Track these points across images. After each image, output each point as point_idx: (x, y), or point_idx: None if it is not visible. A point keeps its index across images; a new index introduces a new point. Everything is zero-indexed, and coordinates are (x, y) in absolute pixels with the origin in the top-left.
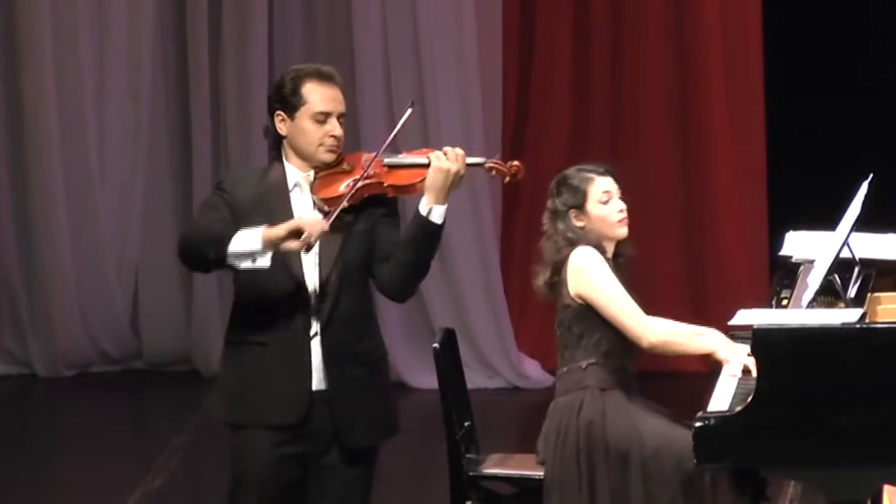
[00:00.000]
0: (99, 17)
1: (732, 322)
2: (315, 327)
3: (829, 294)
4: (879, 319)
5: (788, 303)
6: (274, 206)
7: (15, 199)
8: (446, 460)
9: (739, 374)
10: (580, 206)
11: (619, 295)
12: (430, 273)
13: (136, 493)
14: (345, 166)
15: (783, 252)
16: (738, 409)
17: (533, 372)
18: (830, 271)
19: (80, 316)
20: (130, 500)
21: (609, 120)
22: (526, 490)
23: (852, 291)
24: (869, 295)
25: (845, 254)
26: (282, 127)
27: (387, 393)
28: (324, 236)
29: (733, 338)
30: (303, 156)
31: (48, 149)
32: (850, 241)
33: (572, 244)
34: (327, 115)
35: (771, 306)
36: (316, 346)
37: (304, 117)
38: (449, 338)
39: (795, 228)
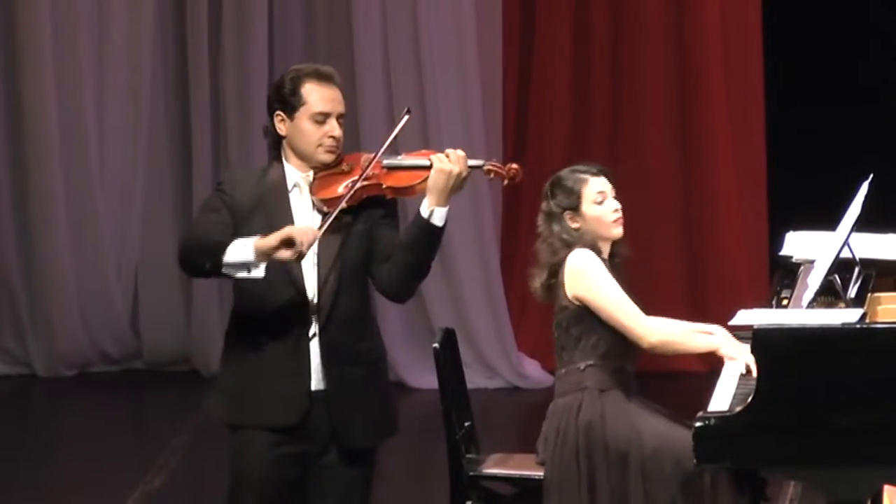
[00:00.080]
0: (99, 17)
1: (732, 322)
2: (314, 328)
3: (829, 294)
4: (879, 319)
5: (789, 303)
6: (273, 206)
7: (15, 198)
8: (446, 460)
9: (743, 372)
10: (575, 208)
11: (617, 296)
12: (431, 273)
13: (136, 493)
14: (344, 167)
15: (783, 252)
16: (739, 409)
17: (533, 372)
18: (830, 271)
19: (80, 316)
20: (130, 500)
21: (609, 120)
22: (526, 490)
23: (852, 291)
24: (869, 295)
25: (845, 254)
26: (281, 127)
27: (386, 393)
28: (323, 237)
29: (735, 337)
30: (302, 156)
31: (48, 149)
32: (850, 241)
33: (568, 246)
34: (326, 115)
35: (771, 306)
36: (315, 346)
37: (303, 118)
38: (449, 338)
39: (795, 228)
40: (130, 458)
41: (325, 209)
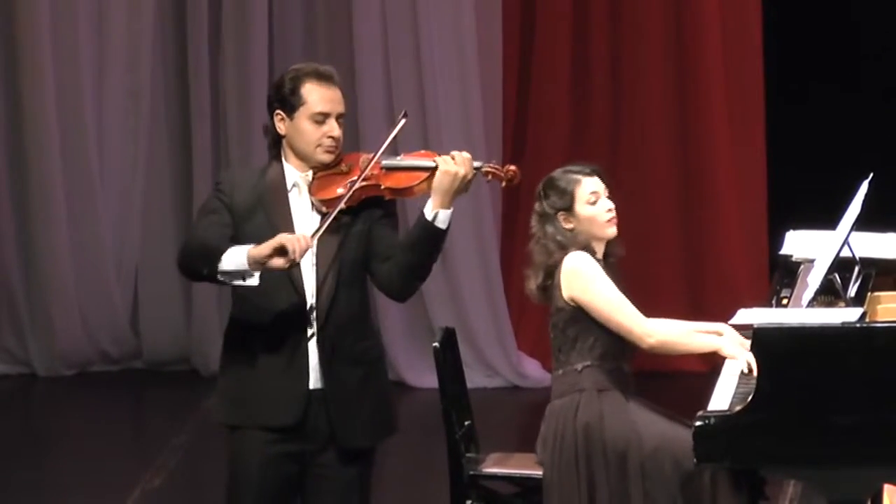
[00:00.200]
0: (99, 18)
1: (732, 321)
2: (312, 328)
3: (829, 293)
4: (879, 319)
5: (788, 302)
6: (272, 206)
7: (15, 198)
8: (446, 460)
9: (745, 371)
10: (568, 208)
11: (615, 298)
12: (431, 273)
13: (136, 492)
14: (343, 167)
15: (783, 251)
16: (739, 408)
17: (533, 371)
18: (830, 270)
19: (80, 315)
20: (130, 500)
21: (609, 120)
22: (526, 489)
23: (852, 291)
24: (869, 294)
25: (845, 253)
26: (281, 126)
27: (384, 393)
28: (322, 237)
29: None
30: (301, 156)
31: (48, 149)
32: (850, 240)
33: (563, 248)
34: (326, 115)
35: (771, 305)
36: (313, 346)
37: (302, 117)
38: (449, 337)
39: (795, 228)
40: (130, 458)
41: (324, 209)
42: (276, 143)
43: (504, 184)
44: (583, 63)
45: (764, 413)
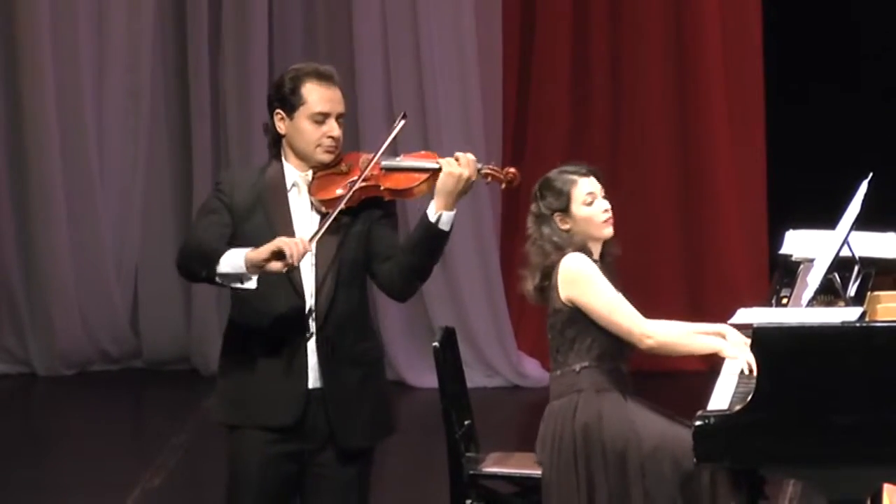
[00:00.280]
0: (98, 18)
1: (732, 321)
2: (311, 328)
3: (828, 293)
4: (879, 318)
5: (788, 301)
6: (272, 206)
7: (15, 198)
8: (446, 459)
9: (746, 372)
10: (564, 209)
11: (614, 300)
12: (431, 274)
13: (136, 492)
14: (343, 167)
15: (783, 251)
16: (738, 407)
17: (532, 371)
18: (830, 270)
19: (80, 315)
20: (130, 499)
21: (609, 120)
22: (526, 489)
23: (852, 290)
24: (868, 294)
25: (845, 252)
26: (281, 126)
27: (383, 393)
28: (321, 238)
29: None
30: (301, 155)
31: (48, 149)
32: (849, 239)
33: (559, 249)
34: (326, 115)
35: (771, 305)
36: (312, 346)
37: (302, 117)
38: (449, 337)
39: (795, 227)
40: (130, 457)
41: (324, 209)
42: (275, 143)
43: (503, 186)
44: (583, 63)
45: (764, 412)
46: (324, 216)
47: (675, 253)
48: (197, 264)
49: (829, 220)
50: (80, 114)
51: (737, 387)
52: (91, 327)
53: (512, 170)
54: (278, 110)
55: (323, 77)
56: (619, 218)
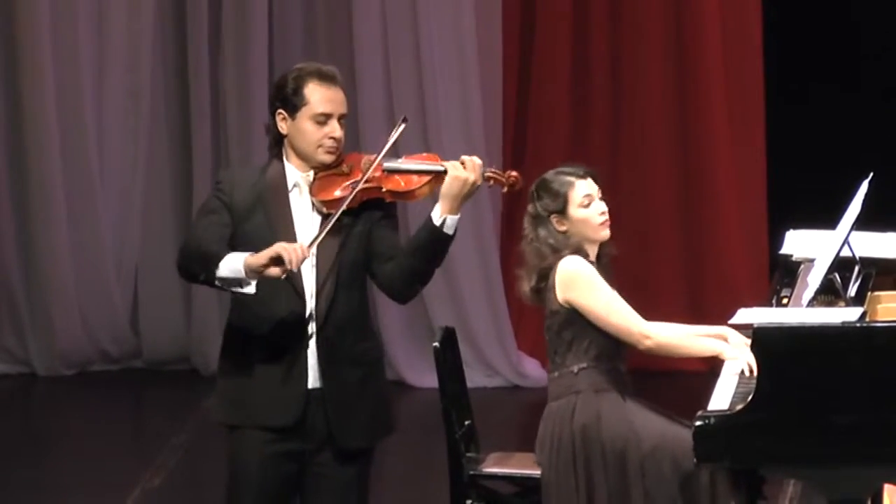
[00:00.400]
0: (98, 18)
1: (732, 321)
2: (311, 328)
3: (829, 293)
4: (879, 318)
5: (788, 302)
6: (273, 206)
7: (15, 198)
8: (446, 459)
9: (747, 373)
10: (561, 211)
11: (613, 302)
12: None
13: (136, 491)
14: (344, 168)
15: (783, 251)
16: (739, 407)
17: (532, 371)
18: (830, 270)
19: (80, 315)
20: (130, 499)
21: (609, 120)
22: (526, 489)
23: (852, 290)
24: (869, 294)
25: (845, 252)
26: (282, 126)
27: (383, 394)
28: (322, 240)
29: None
30: (302, 156)
31: (48, 149)
32: (850, 239)
33: (556, 251)
34: (328, 116)
35: (771, 305)
36: (312, 347)
37: (304, 118)
38: (449, 337)
39: (795, 228)
40: (130, 457)
41: (325, 210)
42: (277, 143)
43: (506, 189)
44: (583, 63)
45: (764, 413)
46: (324, 217)
47: (675, 253)
48: (197, 267)
49: (829, 220)
50: (80, 114)
51: (737, 387)
52: (91, 327)
53: (514, 173)
54: (280, 110)
55: (325, 78)
56: (619, 218)
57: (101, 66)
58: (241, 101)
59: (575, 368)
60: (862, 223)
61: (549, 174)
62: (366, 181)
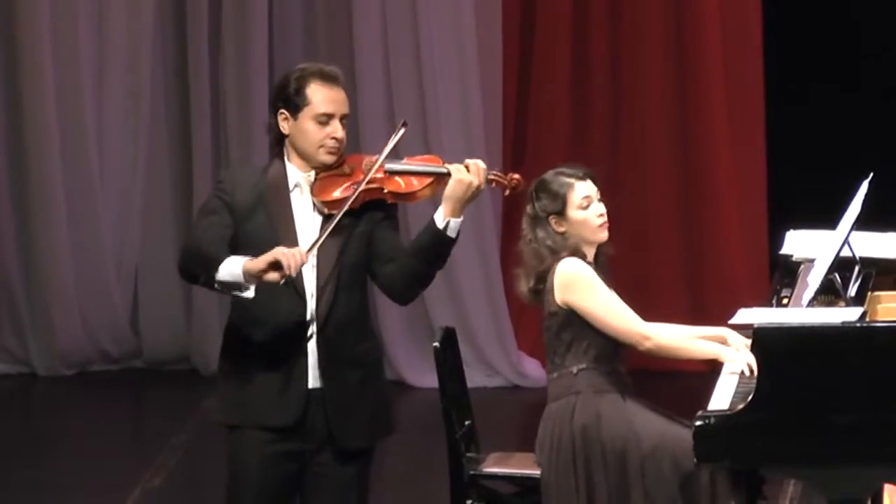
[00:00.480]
0: (98, 18)
1: (732, 321)
2: (312, 329)
3: (829, 293)
4: (880, 318)
5: (789, 302)
6: (274, 206)
7: (15, 198)
8: (446, 459)
9: (747, 373)
10: (560, 212)
11: (612, 303)
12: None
13: (136, 491)
14: (345, 168)
15: (783, 251)
16: (739, 407)
17: (533, 370)
18: (831, 270)
19: (80, 315)
20: (130, 499)
21: (609, 120)
22: (526, 489)
23: (852, 290)
24: (869, 294)
25: (845, 252)
26: (284, 126)
27: (382, 394)
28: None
29: None
30: (304, 156)
31: (48, 149)
32: (850, 239)
33: (554, 252)
34: (330, 116)
35: (771, 305)
36: (312, 347)
37: (306, 118)
38: (449, 337)
39: (795, 228)
40: (130, 458)
41: (326, 210)
42: (278, 143)
43: (507, 192)
44: (583, 63)
45: (764, 413)
46: (326, 217)
47: (675, 253)
48: (197, 268)
49: (829, 220)
50: (80, 114)
51: (737, 387)
52: (91, 327)
53: (516, 176)
54: (282, 110)
55: (328, 78)
56: (619, 218)
57: (101, 66)
58: (241, 101)
59: (574, 369)
60: (862, 223)
61: (548, 175)
62: (368, 182)
